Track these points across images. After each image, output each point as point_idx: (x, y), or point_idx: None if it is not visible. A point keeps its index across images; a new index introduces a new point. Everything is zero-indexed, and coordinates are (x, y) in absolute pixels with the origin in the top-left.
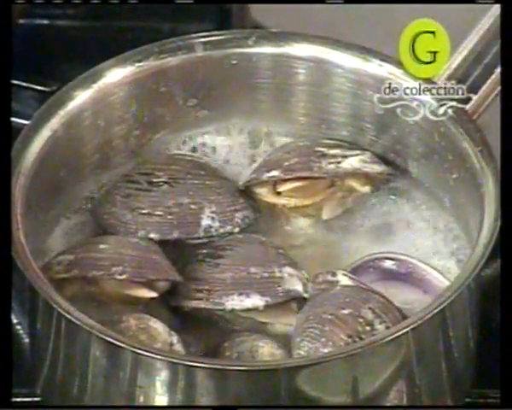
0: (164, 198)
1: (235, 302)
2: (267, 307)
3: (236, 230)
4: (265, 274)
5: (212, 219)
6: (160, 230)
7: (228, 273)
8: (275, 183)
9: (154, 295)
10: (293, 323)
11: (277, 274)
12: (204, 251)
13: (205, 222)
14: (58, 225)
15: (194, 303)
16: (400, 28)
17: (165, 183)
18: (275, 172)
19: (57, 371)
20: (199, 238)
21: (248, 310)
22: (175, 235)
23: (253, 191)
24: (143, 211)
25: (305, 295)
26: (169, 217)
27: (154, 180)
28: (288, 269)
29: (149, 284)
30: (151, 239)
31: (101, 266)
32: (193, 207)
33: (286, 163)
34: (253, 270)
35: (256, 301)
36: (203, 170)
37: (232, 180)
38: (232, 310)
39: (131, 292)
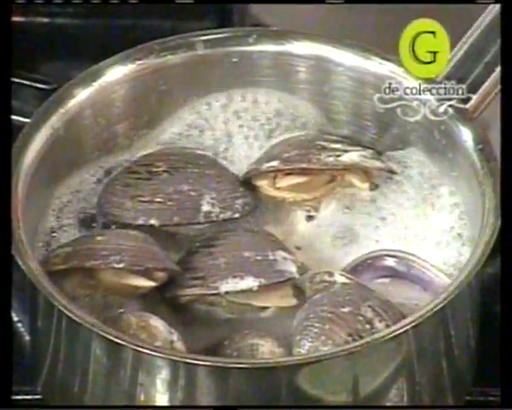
0: (164, 186)
1: (229, 285)
2: (263, 290)
3: (236, 215)
4: (259, 257)
5: (212, 205)
6: (161, 216)
7: (221, 259)
8: (274, 177)
9: (152, 284)
10: (289, 305)
11: (271, 257)
12: (197, 243)
13: (205, 208)
14: (59, 223)
15: (189, 291)
16: (400, 28)
17: (165, 172)
18: (274, 163)
19: (58, 369)
20: (199, 223)
21: (243, 292)
22: (175, 220)
23: (253, 184)
24: (143, 199)
25: (298, 277)
26: (169, 203)
27: (154, 170)
28: (281, 253)
29: (147, 274)
30: (150, 232)
31: (100, 256)
32: (193, 194)
33: (285, 155)
34: (246, 254)
35: (250, 282)
36: (202, 160)
37: (232, 171)
38: (227, 293)
39: (130, 281)
